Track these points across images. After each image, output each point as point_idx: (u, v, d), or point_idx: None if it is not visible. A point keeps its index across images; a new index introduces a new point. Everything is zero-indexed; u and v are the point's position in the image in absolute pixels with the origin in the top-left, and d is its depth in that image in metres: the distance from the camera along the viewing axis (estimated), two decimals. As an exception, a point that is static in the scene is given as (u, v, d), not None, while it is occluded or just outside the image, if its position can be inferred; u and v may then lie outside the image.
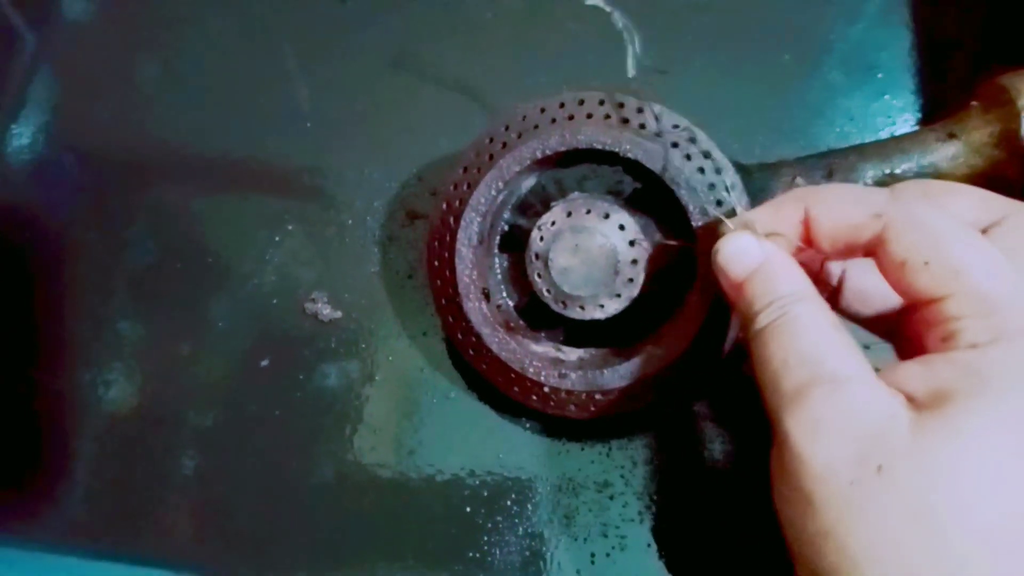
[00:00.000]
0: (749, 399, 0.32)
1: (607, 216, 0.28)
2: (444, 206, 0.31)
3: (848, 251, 0.24)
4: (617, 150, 0.28)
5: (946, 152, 0.29)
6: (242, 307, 0.36)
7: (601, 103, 0.29)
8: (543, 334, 0.31)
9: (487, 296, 0.30)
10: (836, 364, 0.21)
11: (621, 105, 0.29)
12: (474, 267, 0.30)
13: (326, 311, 0.35)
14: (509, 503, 0.32)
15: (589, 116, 0.29)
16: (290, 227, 0.37)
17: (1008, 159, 0.28)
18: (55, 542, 0.35)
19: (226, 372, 0.36)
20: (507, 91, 0.37)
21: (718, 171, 0.28)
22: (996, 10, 0.36)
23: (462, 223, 0.30)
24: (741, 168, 0.29)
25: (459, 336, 0.31)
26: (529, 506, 0.32)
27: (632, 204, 0.30)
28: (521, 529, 0.32)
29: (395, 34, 0.40)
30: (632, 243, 0.28)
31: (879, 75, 0.36)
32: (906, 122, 0.36)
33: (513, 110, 0.30)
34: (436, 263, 0.31)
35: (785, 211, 0.24)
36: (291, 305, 0.36)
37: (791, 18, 0.38)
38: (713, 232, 0.26)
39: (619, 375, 0.28)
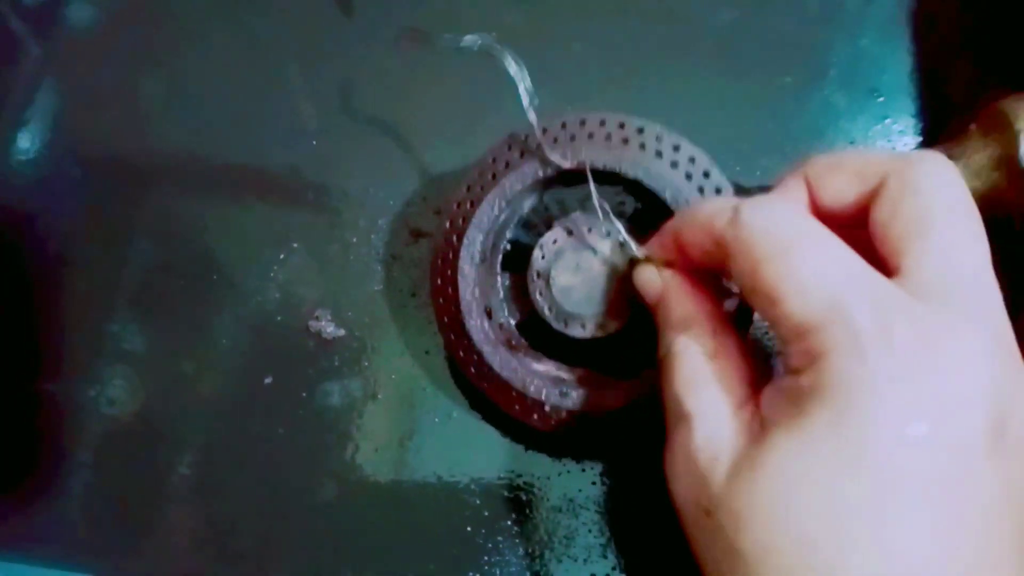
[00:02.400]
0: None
1: (608, 235, 0.29)
2: (447, 224, 0.31)
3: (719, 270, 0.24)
4: (618, 170, 0.29)
5: None
6: (246, 324, 0.36)
7: (602, 123, 0.29)
8: (543, 354, 0.32)
9: (489, 314, 0.31)
10: (693, 403, 0.22)
11: (622, 125, 0.29)
12: (476, 285, 0.30)
13: (329, 329, 0.35)
14: (510, 523, 0.33)
15: (591, 136, 0.29)
16: (294, 245, 0.37)
17: (1007, 182, 0.29)
18: (54, 557, 0.35)
19: (229, 389, 0.36)
20: (511, 110, 0.37)
21: (718, 190, 0.28)
22: (996, 35, 0.37)
23: (465, 241, 0.30)
24: (741, 190, 0.30)
25: (461, 354, 0.31)
26: (530, 526, 0.33)
27: (633, 223, 0.30)
28: (522, 549, 0.32)
29: (400, 52, 0.40)
30: (633, 262, 0.28)
31: (880, 98, 0.37)
32: (906, 145, 0.36)
33: (516, 130, 0.30)
34: (439, 281, 0.31)
35: (662, 240, 0.26)
36: (295, 323, 0.36)
37: (793, 41, 0.38)
38: None
39: (619, 395, 0.29)
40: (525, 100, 0.28)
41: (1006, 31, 0.37)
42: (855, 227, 0.22)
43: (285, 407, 0.35)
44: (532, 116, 0.28)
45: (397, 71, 0.40)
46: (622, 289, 0.28)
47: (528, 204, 0.32)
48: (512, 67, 0.28)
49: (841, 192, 0.23)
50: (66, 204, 0.41)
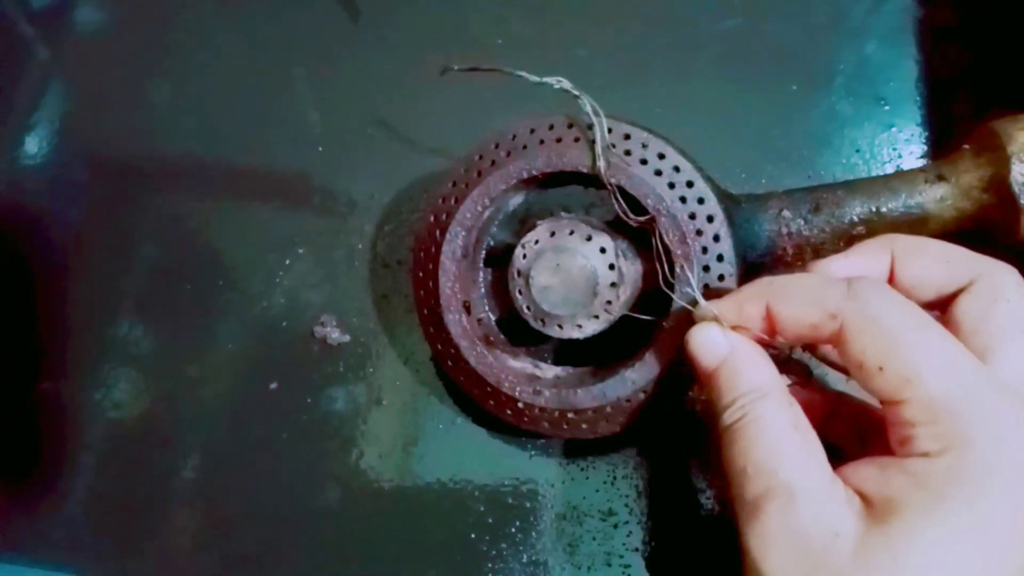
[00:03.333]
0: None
1: (589, 238, 0.29)
2: (431, 218, 0.31)
3: (813, 343, 0.24)
4: (600, 174, 0.29)
5: (934, 193, 0.29)
6: (251, 329, 0.37)
7: (590, 127, 0.30)
8: (523, 350, 0.32)
9: (468, 309, 0.31)
10: (789, 475, 0.21)
11: (609, 131, 0.29)
12: (456, 280, 0.31)
13: (335, 335, 0.36)
14: (513, 530, 0.33)
15: (576, 140, 0.29)
16: (300, 250, 0.37)
17: (996, 203, 0.29)
18: (59, 559, 0.36)
19: (234, 393, 0.36)
20: (517, 118, 0.38)
21: (700, 200, 0.28)
22: (1000, 47, 0.37)
23: (447, 236, 0.31)
24: (729, 197, 0.30)
25: (439, 347, 0.31)
26: (533, 534, 0.33)
27: (615, 228, 0.30)
28: (525, 557, 0.32)
29: (406, 59, 0.40)
30: (612, 266, 0.29)
31: (886, 107, 0.37)
32: (912, 154, 0.36)
33: (505, 129, 0.31)
34: (420, 274, 0.32)
35: (747, 308, 0.24)
36: (300, 328, 0.36)
37: (798, 49, 0.38)
38: (681, 315, 0.27)
39: (592, 396, 0.29)
40: (599, 147, 0.28)
41: (1011, 41, 0.37)
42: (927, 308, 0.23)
43: (290, 412, 0.35)
44: (602, 164, 0.28)
45: (404, 78, 0.40)
46: (604, 291, 0.28)
47: (514, 202, 0.32)
48: (590, 110, 0.28)
49: (925, 273, 0.25)
50: (73, 207, 0.41)
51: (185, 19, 0.43)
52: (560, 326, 0.29)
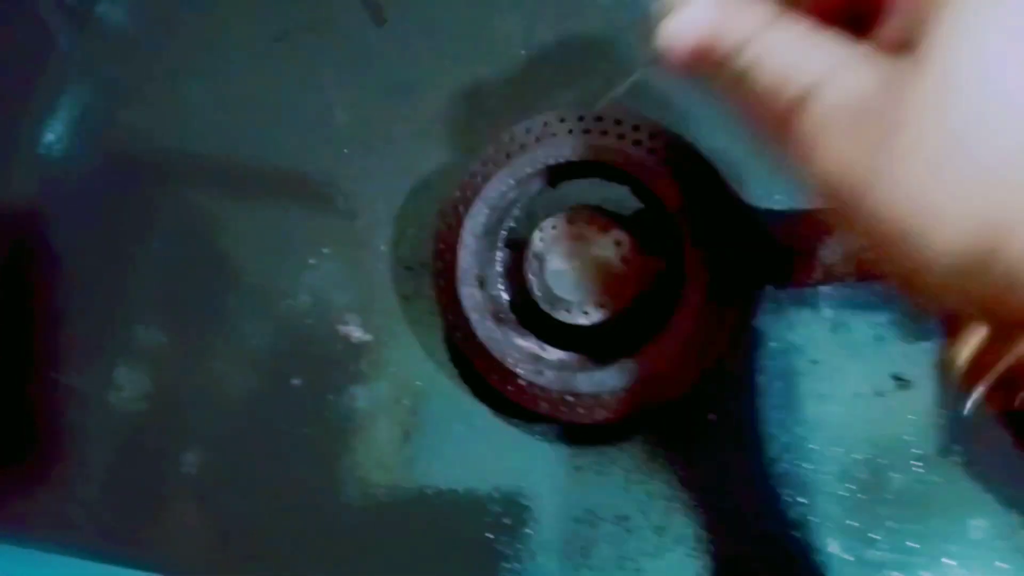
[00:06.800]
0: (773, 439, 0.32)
1: (606, 230, 0.30)
2: (458, 194, 0.32)
3: None
4: (624, 168, 0.30)
5: None
6: (276, 326, 0.37)
7: (618, 122, 0.30)
8: (531, 333, 0.33)
9: (482, 284, 0.32)
10: (823, 61, 0.19)
11: (637, 127, 0.30)
12: (475, 255, 0.32)
13: (357, 333, 0.36)
14: (529, 531, 0.33)
15: (604, 133, 0.30)
16: (325, 250, 0.38)
17: None
18: (79, 545, 0.36)
19: (257, 388, 0.37)
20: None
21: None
22: None
23: (471, 212, 0.32)
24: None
25: (450, 318, 0.32)
26: (549, 535, 0.33)
27: (634, 224, 0.31)
28: (540, 558, 0.33)
29: (431, 64, 0.41)
30: (624, 260, 0.30)
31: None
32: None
33: (538, 117, 0.32)
34: (441, 246, 0.33)
35: None
36: (324, 326, 0.37)
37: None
38: None
39: (592, 381, 0.30)
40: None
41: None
42: None
43: (311, 408, 0.36)
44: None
45: (431, 81, 0.40)
46: (614, 282, 0.30)
47: (538, 188, 0.33)
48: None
49: None
50: (96, 202, 0.42)
51: (211, 18, 0.44)
52: (568, 311, 0.30)
